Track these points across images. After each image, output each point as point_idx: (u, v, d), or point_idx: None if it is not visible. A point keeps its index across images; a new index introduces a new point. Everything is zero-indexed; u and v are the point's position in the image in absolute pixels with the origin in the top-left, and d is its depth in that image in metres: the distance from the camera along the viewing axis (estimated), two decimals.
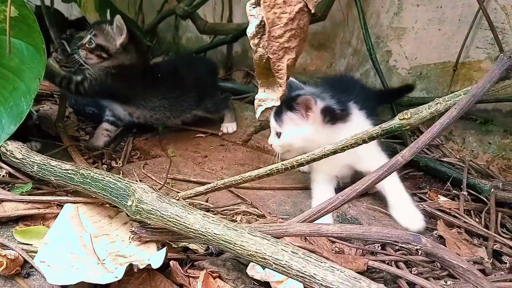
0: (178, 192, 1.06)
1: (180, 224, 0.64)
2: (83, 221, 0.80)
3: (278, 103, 0.78)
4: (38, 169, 0.87)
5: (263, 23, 0.70)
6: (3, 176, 1.00)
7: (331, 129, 0.99)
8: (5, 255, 0.69)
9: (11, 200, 0.86)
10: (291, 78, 1.04)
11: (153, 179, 1.15)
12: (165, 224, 0.66)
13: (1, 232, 0.83)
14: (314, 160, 0.77)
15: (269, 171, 0.79)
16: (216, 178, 1.20)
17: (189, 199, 0.89)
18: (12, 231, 0.83)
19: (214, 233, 0.61)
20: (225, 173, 1.27)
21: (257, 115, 0.78)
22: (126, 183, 0.73)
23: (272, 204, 1.08)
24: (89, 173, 0.78)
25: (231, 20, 2.00)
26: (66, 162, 0.86)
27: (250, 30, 0.71)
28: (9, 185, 0.99)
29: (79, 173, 0.80)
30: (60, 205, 0.88)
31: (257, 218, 0.97)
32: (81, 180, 0.79)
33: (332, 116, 0.99)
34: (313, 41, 1.75)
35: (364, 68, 1.63)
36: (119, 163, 1.21)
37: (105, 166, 1.18)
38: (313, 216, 0.69)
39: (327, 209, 0.68)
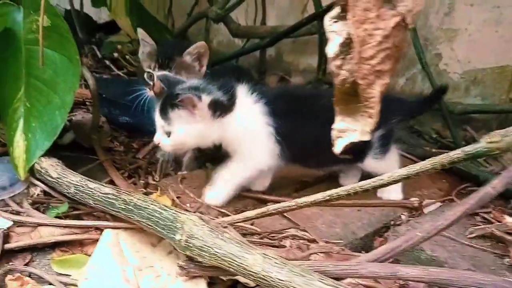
0: (222, 214, 1.00)
1: (237, 264, 0.57)
2: (124, 250, 0.74)
3: (366, 137, 0.63)
4: (75, 191, 0.82)
5: (348, 41, 0.58)
6: (38, 195, 0.95)
7: (223, 121, 0.94)
8: None
9: (47, 225, 0.80)
10: (166, 73, 1.03)
11: (191, 196, 1.07)
12: (219, 263, 0.59)
13: (37, 260, 0.77)
14: (381, 186, 0.67)
15: (328, 197, 0.70)
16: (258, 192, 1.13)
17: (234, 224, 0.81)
18: (48, 258, 0.77)
19: (278, 279, 0.53)
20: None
21: (337, 149, 0.63)
22: (174, 213, 0.66)
23: (321, 225, 0.99)
24: (132, 199, 0.72)
25: (264, 23, 1.91)
26: (105, 185, 0.80)
27: (332, 50, 0.58)
28: (44, 205, 0.94)
29: (120, 198, 0.73)
30: (99, 229, 0.82)
31: (308, 244, 0.89)
32: (123, 207, 0.72)
33: (222, 109, 0.94)
34: None
35: (411, 72, 1.52)
36: (156, 178, 1.14)
37: (142, 181, 1.12)
38: (386, 255, 0.60)
39: (403, 247, 0.59)
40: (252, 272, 0.55)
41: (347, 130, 0.61)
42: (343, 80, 0.59)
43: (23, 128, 0.99)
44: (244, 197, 1.10)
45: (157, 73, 1.03)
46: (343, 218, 1.03)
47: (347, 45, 0.58)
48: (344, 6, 0.57)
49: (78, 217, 0.89)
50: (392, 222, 1.05)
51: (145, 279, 0.68)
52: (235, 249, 0.58)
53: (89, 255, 0.77)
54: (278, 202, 1.07)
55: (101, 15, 2.71)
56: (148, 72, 1.18)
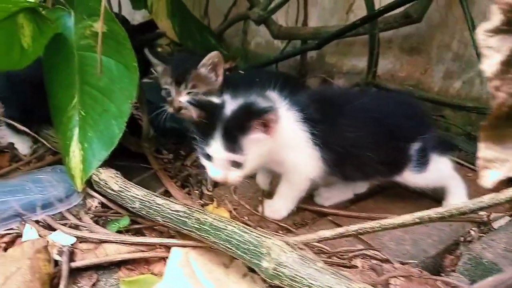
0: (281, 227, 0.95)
1: None
2: (196, 271, 0.70)
3: None
4: (141, 206, 0.78)
5: (510, 58, 0.50)
6: (96, 207, 0.92)
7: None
8: None
9: (112, 242, 0.77)
10: (196, 97, 0.94)
11: (247, 208, 1.03)
12: None
13: (104, 279, 0.74)
14: (481, 208, 0.61)
15: (418, 219, 0.64)
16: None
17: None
18: (115, 278, 0.74)
19: None
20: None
21: (484, 182, 0.54)
22: (257, 236, 0.61)
23: (389, 242, 0.93)
24: (207, 219, 0.67)
25: (306, 24, 1.85)
26: (175, 201, 0.76)
27: (489, 69, 0.50)
28: (102, 218, 0.91)
29: (193, 217, 0.69)
30: (164, 245, 0.78)
31: (381, 264, 0.83)
32: (197, 226, 0.68)
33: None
34: (404, 44, 1.58)
35: (468, 75, 1.44)
36: (209, 187, 1.10)
37: (196, 191, 1.08)
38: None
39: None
40: None
41: (497, 160, 0.53)
42: (501, 103, 0.51)
43: (78, 137, 0.96)
44: (302, 209, 1.05)
45: (184, 98, 1.04)
46: (412, 234, 0.97)
47: (508, 64, 0.49)
48: (509, 18, 0.48)
49: (139, 232, 0.86)
50: (462, 239, 0.98)
51: None
52: (332, 281, 0.53)
53: (156, 275, 0.74)
54: (338, 215, 1.03)
55: (134, 16, 2.69)
56: (165, 88, 1.17)
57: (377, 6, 1.38)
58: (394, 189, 1.18)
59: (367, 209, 1.08)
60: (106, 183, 0.88)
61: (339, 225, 0.97)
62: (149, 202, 0.77)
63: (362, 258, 0.85)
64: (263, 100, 0.85)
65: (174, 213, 0.73)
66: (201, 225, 0.68)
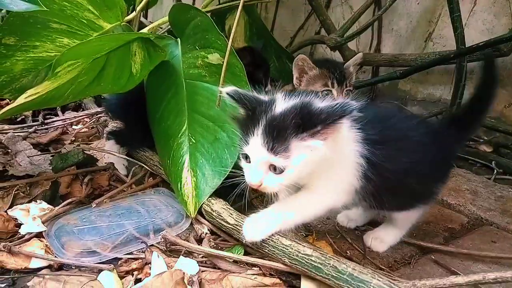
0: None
1: None
2: None
3: None
4: (264, 245, 0.79)
5: None
6: (206, 233, 0.94)
7: None
8: None
9: (239, 273, 0.78)
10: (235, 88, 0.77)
11: (348, 241, 1.03)
12: None
13: None
14: None
15: None
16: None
17: None
18: None
19: None
20: (413, 233, 1.12)
21: None
22: None
23: (495, 285, 0.91)
24: (345, 269, 0.68)
25: (379, 50, 1.86)
26: (303, 243, 0.76)
27: None
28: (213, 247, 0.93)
29: (328, 264, 0.69)
30: (285, 281, 0.79)
31: None
32: (334, 275, 0.68)
33: None
34: None
35: None
36: None
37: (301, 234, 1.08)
38: None
39: None
40: None
41: None
42: None
43: (189, 164, 0.99)
44: (399, 244, 1.04)
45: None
46: None
47: None
48: None
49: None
50: None
51: None
52: None
53: None
54: (442, 251, 1.02)
55: None
56: (326, 90, 1.25)
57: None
58: (485, 226, 1.16)
59: (465, 247, 1.06)
60: (219, 215, 0.90)
61: (443, 266, 0.96)
62: (273, 242, 0.78)
63: None
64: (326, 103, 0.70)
65: (304, 257, 0.73)
66: (339, 274, 0.68)
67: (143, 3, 1.21)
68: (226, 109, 1.00)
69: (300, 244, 0.76)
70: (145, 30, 1.14)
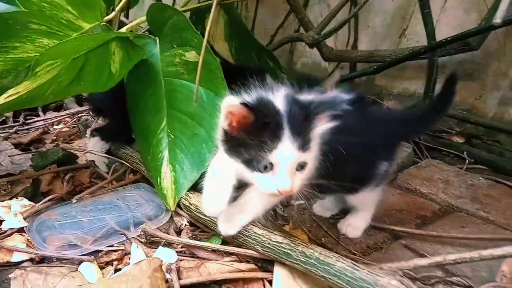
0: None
1: None
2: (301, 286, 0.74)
3: None
4: (239, 235, 0.83)
5: None
6: (185, 225, 0.98)
7: None
8: None
9: (216, 261, 0.82)
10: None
11: (324, 229, 1.07)
12: None
13: None
14: None
15: None
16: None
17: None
18: None
19: None
20: (386, 220, 1.17)
21: None
22: (368, 274, 0.65)
23: (464, 268, 0.96)
24: (313, 253, 0.72)
25: (356, 47, 1.91)
26: (276, 232, 0.80)
27: None
28: (192, 237, 0.96)
29: (297, 249, 0.73)
30: (260, 266, 0.83)
31: None
32: (303, 260, 0.72)
33: None
34: (459, 70, 1.61)
35: None
36: (280, 208, 1.15)
37: (271, 212, 1.12)
38: None
39: None
40: None
41: None
42: None
43: (169, 159, 1.02)
44: (373, 230, 1.09)
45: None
46: (486, 261, 0.99)
47: None
48: None
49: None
50: None
51: None
52: None
53: None
54: (414, 234, 1.06)
55: None
56: None
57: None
58: (455, 213, 1.22)
59: (435, 232, 1.11)
60: (197, 208, 0.93)
61: (413, 250, 1.01)
62: (247, 231, 0.82)
63: (444, 284, 0.89)
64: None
65: (275, 244, 0.77)
66: (307, 259, 0.72)
67: (122, 3, 1.23)
68: (204, 105, 1.03)
69: (272, 232, 0.80)
70: (123, 30, 1.16)
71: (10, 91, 0.91)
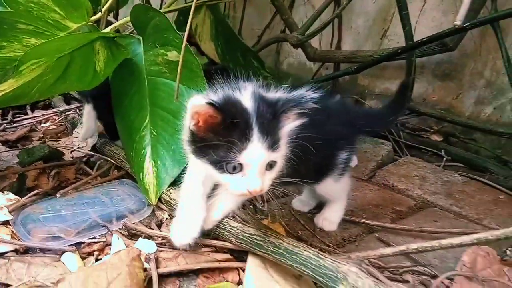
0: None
1: None
2: (273, 277, 0.78)
3: None
4: (215, 227, 0.87)
5: None
6: (166, 219, 1.01)
7: None
8: None
9: (193, 251, 0.86)
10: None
11: (301, 223, 1.11)
12: None
13: (185, 285, 0.83)
14: None
15: (476, 240, 0.72)
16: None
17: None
18: (194, 284, 0.83)
19: None
20: (362, 215, 1.21)
21: None
22: (331, 261, 0.69)
23: (433, 259, 1.01)
24: (282, 243, 0.76)
25: (339, 48, 1.96)
26: (249, 225, 0.84)
27: None
28: None
29: (268, 240, 0.78)
30: (236, 257, 0.87)
31: (430, 280, 0.91)
32: (273, 250, 0.77)
33: None
34: (437, 70, 1.67)
35: (499, 101, 1.52)
36: (260, 203, 1.19)
37: (251, 206, 1.17)
38: None
39: None
40: None
41: None
42: None
43: (151, 155, 1.06)
44: (348, 224, 1.13)
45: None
46: (454, 253, 1.04)
47: None
48: None
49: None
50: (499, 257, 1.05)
51: None
52: None
53: (233, 283, 0.82)
54: (387, 228, 1.11)
55: None
56: None
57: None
58: (430, 208, 1.27)
59: (408, 225, 1.15)
60: (177, 203, 0.96)
61: (385, 242, 1.06)
62: (223, 225, 0.86)
63: (412, 274, 0.93)
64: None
65: (248, 236, 0.81)
66: (276, 249, 0.77)
67: (108, 3, 1.26)
68: (184, 103, 1.07)
69: (246, 225, 0.84)
70: (107, 30, 1.20)
71: None
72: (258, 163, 0.68)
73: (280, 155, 0.71)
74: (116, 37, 1.18)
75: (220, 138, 0.67)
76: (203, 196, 0.84)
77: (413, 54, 1.48)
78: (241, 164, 0.68)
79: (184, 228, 0.83)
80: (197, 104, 0.65)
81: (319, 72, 2.05)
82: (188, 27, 0.96)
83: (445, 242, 0.75)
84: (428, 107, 1.68)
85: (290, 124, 0.71)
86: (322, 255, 0.72)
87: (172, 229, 0.86)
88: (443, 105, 1.67)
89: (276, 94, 0.74)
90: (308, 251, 0.73)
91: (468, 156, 1.57)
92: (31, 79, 1.01)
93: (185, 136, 0.74)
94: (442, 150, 1.61)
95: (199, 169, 0.81)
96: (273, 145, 0.68)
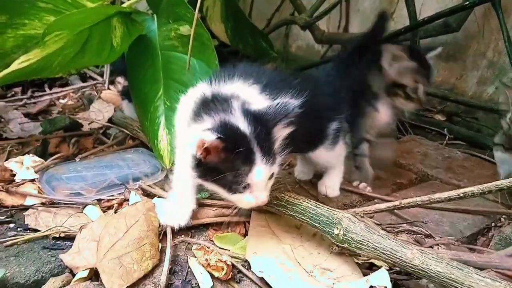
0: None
1: (396, 258, 0.66)
2: (274, 230, 0.85)
3: None
4: None
5: None
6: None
7: None
8: (225, 261, 0.75)
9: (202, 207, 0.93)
10: None
11: (305, 188, 1.18)
12: (378, 256, 0.68)
13: (197, 236, 0.90)
14: None
15: (462, 194, 0.78)
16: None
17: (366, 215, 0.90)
18: (204, 235, 0.90)
19: (437, 271, 0.62)
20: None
21: None
22: (328, 210, 0.76)
23: (430, 223, 1.07)
24: (283, 197, 0.83)
25: (347, 30, 2.00)
26: None
27: None
28: None
29: (271, 195, 0.84)
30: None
31: (425, 239, 0.97)
32: (275, 203, 0.84)
33: None
34: (442, 51, 1.70)
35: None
36: None
37: None
38: None
39: None
40: (412, 264, 0.64)
41: None
42: None
43: (165, 124, 1.13)
44: (349, 193, 1.20)
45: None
46: (449, 218, 1.10)
47: None
48: None
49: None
50: (493, 224, 1.11)
51: (300, 255, 0.79)
52: (393, 244, 0.67)
53: (240, 235, 0.89)
54: (384, 199, 1.17)
55: None
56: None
57: (418, 15, 1.52)
58: (430, 181, 1.32)
59: (408, 196, 1.21)
60: None
61: (391, 212, 1.11)
62: None
63: (407, 233, 1.00)
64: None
65: None
66: (279, 202, 0.84)
67: None
68: (196, 75, 1.14)
69: None
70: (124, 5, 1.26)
71: (22, 57, 1.01)
72: (263, 180, 0.76)
73: (278, 163, 0.79)
74: (132, 13, 1.25)
75: (228, 164, 0.73)
76: (193, 189, 0.91)
77: (417, 35, 1.52)
78: (248, 184, 0.75)
79: (174, 215, 0.89)
80: (208, 140, 0.69)
81: (325, 55, 2.10)
82: (198, 5, 1.02)
83: (434, 196, 0.81)
84: (432, 88, 1.72)
85: (281, 135, 0.78)
86: (319, 205, 0.79)
87: (163, 208, 0.90)
88: (446, 85, 1.71)
89: (261, 104, 0.78)
90: (307, 202, 0.80)
91: (470, 134, 1.61)
92: (53, 51, 1.08)
93: (189, 162, 0.78)
94: (445, 129, 1.66)
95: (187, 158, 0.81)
96: (273, 160, 0.76)
